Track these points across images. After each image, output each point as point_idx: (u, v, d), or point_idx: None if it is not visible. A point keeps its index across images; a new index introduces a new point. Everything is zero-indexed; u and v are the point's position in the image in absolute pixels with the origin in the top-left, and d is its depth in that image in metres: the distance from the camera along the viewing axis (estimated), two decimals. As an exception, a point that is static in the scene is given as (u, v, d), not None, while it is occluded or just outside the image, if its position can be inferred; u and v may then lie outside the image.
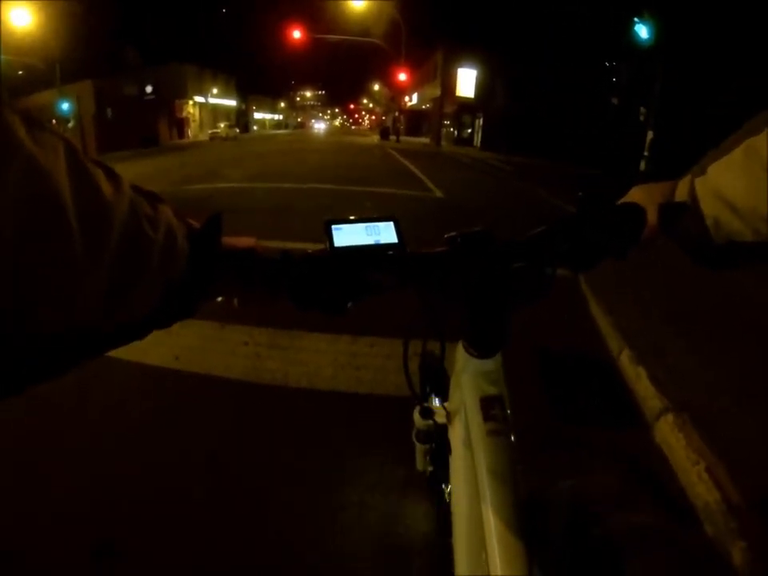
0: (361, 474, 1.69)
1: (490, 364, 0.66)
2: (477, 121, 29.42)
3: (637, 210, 0.63)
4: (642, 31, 13.13)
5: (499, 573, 0.53)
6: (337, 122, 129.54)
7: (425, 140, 34.46)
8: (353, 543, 1.43)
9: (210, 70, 40.78)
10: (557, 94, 19.32)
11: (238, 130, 38.92)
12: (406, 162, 14.61)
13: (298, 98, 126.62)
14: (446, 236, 0.60)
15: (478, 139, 29.02)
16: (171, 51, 33.17)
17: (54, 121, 21.73)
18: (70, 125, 25.73)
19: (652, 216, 0.63)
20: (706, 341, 2.61)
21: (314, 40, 31.47)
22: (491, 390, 0.64)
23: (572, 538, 0.52)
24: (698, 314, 3.01)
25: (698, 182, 0.60)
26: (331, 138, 37.83)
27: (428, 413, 0.86)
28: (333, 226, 0.53)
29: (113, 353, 0.40)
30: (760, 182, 0.52)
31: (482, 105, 27.18)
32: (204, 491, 1.59)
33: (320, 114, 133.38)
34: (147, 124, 30.16)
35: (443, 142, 30.75)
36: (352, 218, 0.55)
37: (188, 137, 36.88)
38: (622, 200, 0.67)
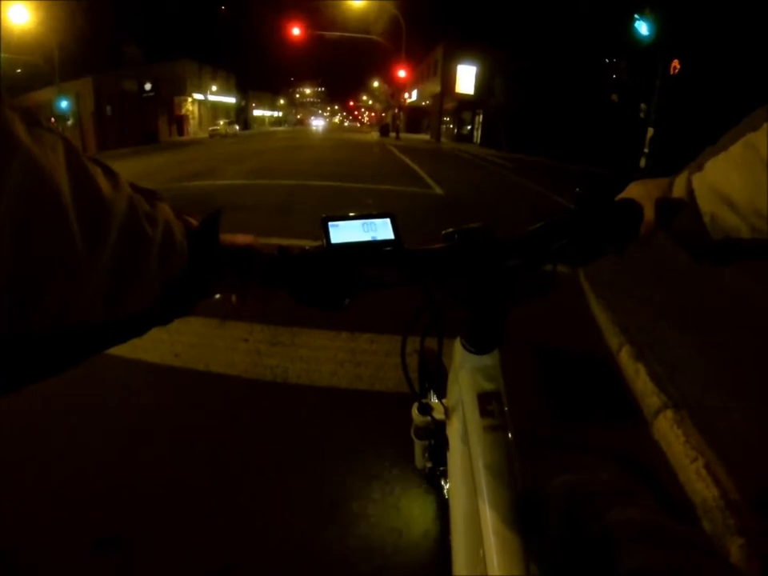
0: (361, 469, 1.69)
1: (488, 360, 0.66)
2: (477, 117, 29.37)
3: (634, 206, 0.63)
4: (643, 28, 13.07)
5: (496, 569, 0.53)
6: (336, 119, 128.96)
7: (425, 137, 34.40)
8: (353, 537, 1.43)
9: (210, 67, 40.61)
10: (557, 90, 19.25)
11: (237, 127, 38.76)
12: (406, 159, 14.57)
13: (298, 95, 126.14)
14: (443, 232, 0.60)
15: (477, 136, 28.99)
16: (171, 48, 33.05)
17: (52, 119, 21.68)
18: (69, 123, 25.69)
19: (649, 212, 0.63)
20: (706, 337, 2.62)
21: (313, 37, 31.43)
22: (489, 386, 0.64)
23: (569, 534, 0.52)
24: (698, 310, 3.02)
25: (695, 178, 0.60)
26: (330, 135, 37.70)
27: (426, 409, 0.86)
28: (329, 223, 0.53)
29: (112, 350, 0.40)
30: (758, 179, 0.52)
31: (482, 101, 27.12)
32: (204, 487, 1.60)
33: (319, 111, 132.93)
34: (146, 121, 30.12)
35: (443, 139, 30.69)
36: (349, 214, 0.55)
37: (188, 134, 36.78)
38: (620, 196, 0.68)
